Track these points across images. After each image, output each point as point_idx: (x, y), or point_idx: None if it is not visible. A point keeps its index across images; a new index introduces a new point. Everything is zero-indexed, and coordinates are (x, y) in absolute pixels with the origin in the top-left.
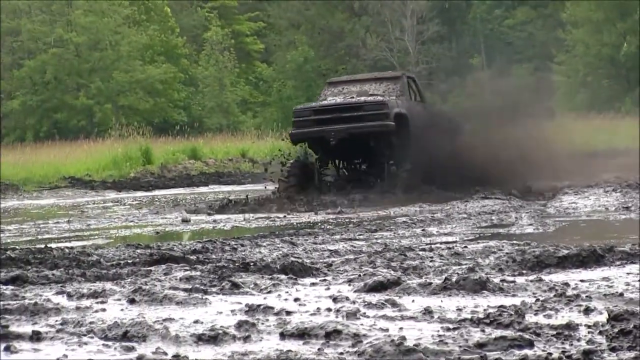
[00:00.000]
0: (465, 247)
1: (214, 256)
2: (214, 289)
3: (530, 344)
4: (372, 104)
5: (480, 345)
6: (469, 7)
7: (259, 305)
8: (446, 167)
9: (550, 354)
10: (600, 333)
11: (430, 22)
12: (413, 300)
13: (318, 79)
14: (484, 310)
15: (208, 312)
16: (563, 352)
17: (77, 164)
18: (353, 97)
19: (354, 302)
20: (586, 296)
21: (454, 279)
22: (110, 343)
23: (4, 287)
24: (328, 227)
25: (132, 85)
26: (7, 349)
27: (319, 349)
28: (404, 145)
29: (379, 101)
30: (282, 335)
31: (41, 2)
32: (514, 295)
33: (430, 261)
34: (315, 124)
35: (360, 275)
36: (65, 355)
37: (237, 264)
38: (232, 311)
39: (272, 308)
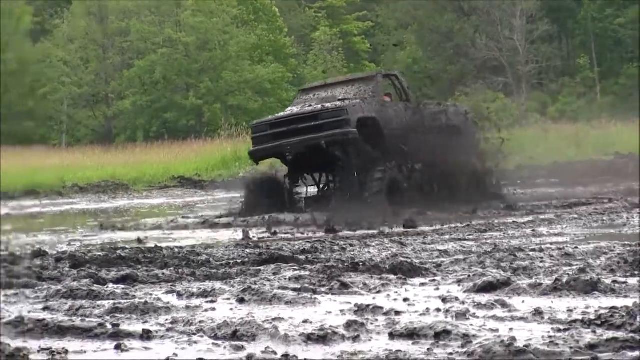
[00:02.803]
0: (576, 247)
1: (323, 256)
2: (323, 289)
3: None
4: (329, 112)
5: (591, 347)
6: (579, 6)
7: (368, 305)
8: (437, 173)
9: None
10: None
11: (540, 21)
12: (523, 301)
13: (426, 79)
14: (595, 311)
15: (317, 312)
16: None
17: (186, 164)
18: (310, 106)
19: (463, 303)
20: None
21: (564, 280)
22: (219, 342)
23: (115, 286)
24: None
25: (240, 85)
26: (117, 347)
27: (428, 349)
28: (375, 151)
29: (337, 107)
30: (391, 335)
31: (150, 3)
32: (625, 297)
33: (541, 262)
34: (273, 138)
35: (469, 276)
36: (175, 354)
37: (346, 264)
38: (341, 311)
39: (381, 308)
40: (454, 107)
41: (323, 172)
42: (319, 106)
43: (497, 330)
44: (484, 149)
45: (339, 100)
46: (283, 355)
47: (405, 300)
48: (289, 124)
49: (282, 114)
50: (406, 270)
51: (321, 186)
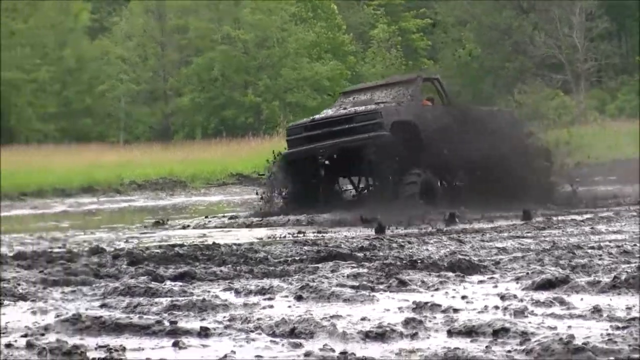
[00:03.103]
0: (635, 245)
1: (381, 253)
2: (381, 286)
3: None
4: (363, 115)
5: None
6: (638, 4)
7: (426, 303)
8: (476, 176)
9: None
10: None
11: (599, 19)
12: (582, 299)
13: (485, 77)
14: None
15: (375, 309)
16: None
17: (244, 161)
18: (345, 109)
19: (521, 300)
20: None
21: (623, 277)
22: (277, 339)
23: (173, 283)
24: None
25: (299, 82)
26: (175, 344)
27: (486, 347)
28: (411, 155)
29: (370, 110)
30: (450, 333)
31: (208, 2)
32: None
33: (599, 259)
34: (307, 141)
35: (528, 273)
36: (233, 352)
37: (404, 262)
38: (399, 308)
39: (440, 305)
40: (498, 110)
41: (358, 175)
42: (353, 109)
43: (555, 328)
44: (536, 149)
45: (375, 103)
46: (341, 353)
47: (464, 297)
48: (323, 127)
49: (316, 116)
50: (464, 268)
51: (359, 189)
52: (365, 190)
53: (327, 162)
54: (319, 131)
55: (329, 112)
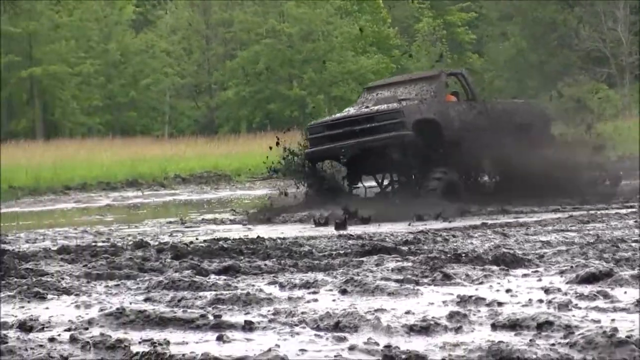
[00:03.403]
0: None
1: (425, 247)
2: (425, 280)
3: None
4: (384, 114)
5: None
6: None
7: (470, 296)
8: (503, 174)
9: None
10: None
11: None
12: (625, 292)
13: (530, 70)
14: None
15: (420, 303)
16: None
17: None
18: (367, 107)
19: (565, 294)
20: None
21: None
22: (322, 333)
23: (217, 277)
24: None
25: (344, 75)
26: (219, 338)
27: (530, 340)
28: (433, 153)
29: (392, 109)
30: (494, 326)
31: None
32: None
33: None
34: (329, 140)
35: (572, 267)
36: (277, 345)
37: (448, 255)
38: (443, 302)
39: (484, 299)
40: (526, 104)
41: (382, 173)
42: (375, 108)
43: (599, 321)
44: (572, 144)
45: (398, 101)
46: (385, 347)
47: (508, 291)
48: (344, 125)
49: (338, 115)
50: (509, 262)
51: (383, 186)
52: (389, 188)
53: (349, 160)
54: (340, 130)
55: (351, 110)
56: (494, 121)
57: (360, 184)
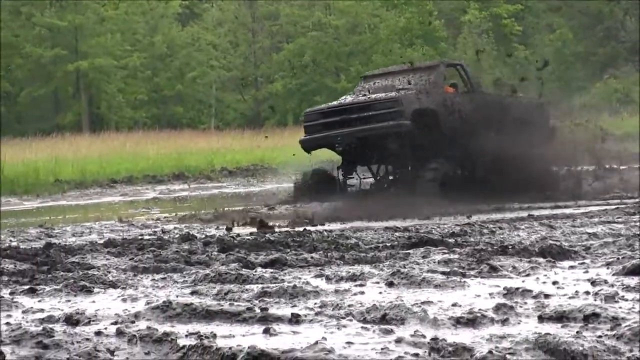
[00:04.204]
0: None
1: (472, 239)
2: (472, 272)
3: None
4: (382, 102)
5: None
6: None
7: (517, 289)
8: (497, 166)
9: None
10: None
11: None
12: None
13: (576, 62)
14: None
15: (466, 295)
16: None
17: None
18: (365, 96)
19: (612, 285)
20: None
21: None
22: (368, 326)
23: (264, 270)
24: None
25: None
26: (266, 331)
27: (577, 332)
28: (431, 144)
29: (390, 98)
30: (540, 318)
31: None
32: None
33: None
34: (324, 128)
35: (618, 259)
36: (324, 338)
37: (495, 247)
38: (490, 294)
39: (530, 291)
40: (526, 99)
41: (377, 164)
42: (373, 96)
43: None
44: (579, 140)
45: (396, 90)
46: (432, 339)
47: (554, 283)
48: (341, 113)
49: (334, 103)
50: (555, 253)
51: (377, 178)
52: (384, 180)
53: (345, 148)
54: (337, 118)
55: (348, 98)
56: (492, 114)
57: (354, 175)
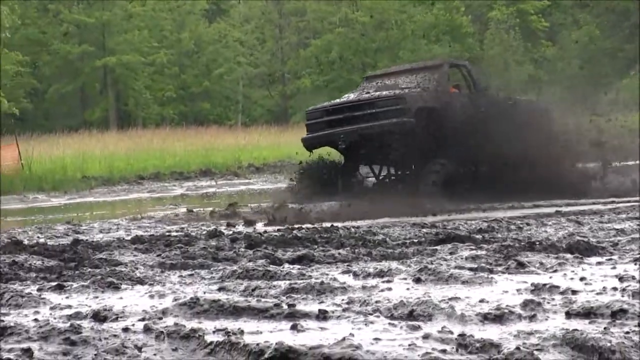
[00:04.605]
0: None
1: (499, 235)
2: (499, 268)
3: None
4: (386, 100)
5: None
6: None
7: (544, 284)
8: (499, 167)
9: None
10: None
11: None
12: None
13: (603, 58)
14: None
15: (494, 291)
16: None
17: None
18: (368, 93)
19: None
20: None
21: None
22: (396, 322)
23: (291, 266)
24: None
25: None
26: (293, 327)
27: (604, 328)
28: (434, 143)
29: (395, 96)
30: (568, 315)
31: None
32: None
33: None
34: (327, 126)
35: None
36: (352, 334)
37: (522, 243)
38: (517, 290)
39: (558, 287)
40: (529, 101)
41: (380, 163)
42: (377, 94)
43: None
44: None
45: (401, 88)
46: (459, 335)
47: (582, 279)
48: (344, 111)
49: (337, 100)
50: (583, 249)
51: (380, 177)
52: (387, 179)
53: (348, 147)
54: (340, 115)
55: (350, 97)
56: (493, 116)
57: (358, 173)
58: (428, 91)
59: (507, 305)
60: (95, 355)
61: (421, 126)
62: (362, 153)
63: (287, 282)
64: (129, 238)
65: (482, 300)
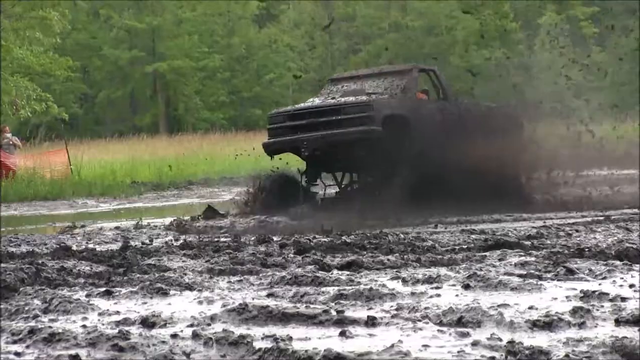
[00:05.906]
0: None
1: (548, 242)
2: (548, 275)
3: None
4: (353, 106)
5: None
6: None
7: (594, 291)
8: (468, 176)
9: None
10: None
11: None
12: None
13: None
14: None
15: (542, 298)
16: None
17: None
18: (334, 99)
19: None
20: None
21: None
22: (444, 329)
23: (340, 272)
24: None
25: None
26: (342, 334)
27: None
28: (400, 151)
29: (361, 102)
30: (617, 322)
31: None
32: None
33: None
34: (290, 131)
35: None
36: (400, 341)
37: (571, 250)
38: (566, 297)
39: (607, 294)
40: (500, 108)
41: (344, 171)
42: (342, 100)
43: None
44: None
45: (366, 94)
46: (508, 342)
47: (631, 286)
48: (308, 116)
49: (302, 105)
50: (632, 256)
51: (342, 186)
52: (349, 188)
53: (310, 154)
54: (303, 121)
55: (315, 101)
56: (465, 122)
57: (318, 182)
58: (396, 97)
59: (556, 312)
60: None
61: (388, 134)
62: (325, 161)
63: (336, 288)
64: (177, 244)
65: (531, 307)
